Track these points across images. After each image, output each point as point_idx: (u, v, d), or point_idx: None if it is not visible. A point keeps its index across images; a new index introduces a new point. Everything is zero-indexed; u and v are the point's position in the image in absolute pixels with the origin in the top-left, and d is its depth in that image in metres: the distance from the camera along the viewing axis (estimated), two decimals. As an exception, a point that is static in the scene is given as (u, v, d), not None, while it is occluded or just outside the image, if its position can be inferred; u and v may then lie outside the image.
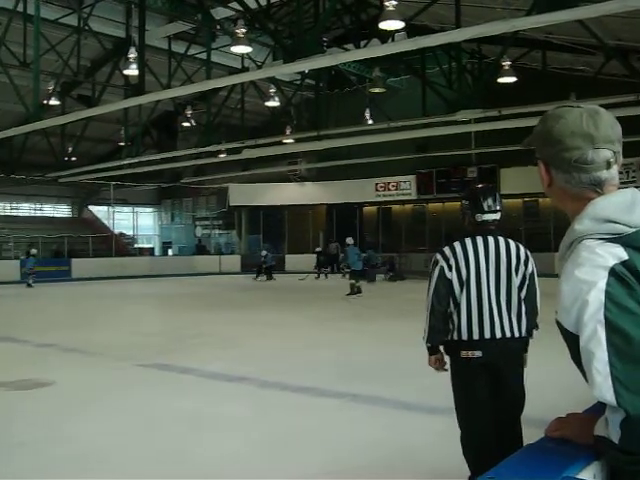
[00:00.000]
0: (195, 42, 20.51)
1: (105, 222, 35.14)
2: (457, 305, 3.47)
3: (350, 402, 6.11)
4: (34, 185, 29.98)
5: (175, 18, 19.52)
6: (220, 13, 18.23)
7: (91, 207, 36.20)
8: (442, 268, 3.49)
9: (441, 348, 3.64)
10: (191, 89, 16.63)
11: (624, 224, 1.30)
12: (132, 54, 15.81)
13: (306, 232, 30.87)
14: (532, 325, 3.57)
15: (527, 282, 3.52)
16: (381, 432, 5.08)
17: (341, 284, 18.19)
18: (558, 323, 1.35)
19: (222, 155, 23.60)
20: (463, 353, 3.45)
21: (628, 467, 1.26)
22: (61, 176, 25.88)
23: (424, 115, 18.64)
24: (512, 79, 16.44)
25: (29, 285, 23.29)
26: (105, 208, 35.29)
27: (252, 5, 14.38)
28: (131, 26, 19.02)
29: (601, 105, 1.45)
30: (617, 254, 1.27)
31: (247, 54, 18.61)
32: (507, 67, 16.26)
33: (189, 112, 23.44)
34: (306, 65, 12.10)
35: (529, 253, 3.60)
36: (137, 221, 37.40)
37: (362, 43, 18.31)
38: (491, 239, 3.52)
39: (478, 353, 3.42)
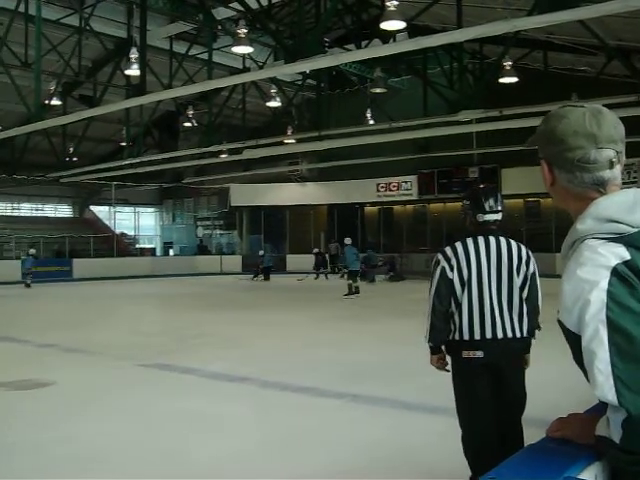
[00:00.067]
0: (196, 42, 20.51)
1: (106, 222, 35.15)
2: (458, 305, 3.47)
3: (350, 402, 6.11)
4: (35, 185, 29.99)
5: (176, 18, 19.53)
6: (221, 13, 18.24)
7: (92, 207, 36.23)
8: (443, 268, 3.49)
9: (443, 348, 3.64)
10: (192, 89, 16.63)
11: (626, 224, 1.30)
12: (133, 54, 15.82)
13: (307, 232, 30.86)
14: (534, 325, 3.57)
15: (528, 282, 3.52)
16: (382, 432, 5.08)
17: (341, 284, 18.19)
18: (560, 323, 1.35)
19: (223, 155, 23.62)
20: (464, 353, 3.45)
21: (629, 467, 1.25)
22: (62, 176, 25.90)
23: (425, 115, 18.64)
24: (513, 79, 16.42)
25: (27, 285, 23.21)
26: (106, 208, 35.31)
27: (253, 5, 14.38)
28: (132, 26, 19.04)
29: (603, 105, 1.45)
30: (619, 254, 1.27)
31: (248, 54, 18.61)
32: (508, 67, 16.24)
33: (190, 112, 23.44)
34: (307, 65, 12.10)
35: (530, 253, 3.59)
36: (138, 221, 37.41)
37: (363, 43, 18.28)
38: (492, 239, 3.52)
39: (479, 353, 3.41)
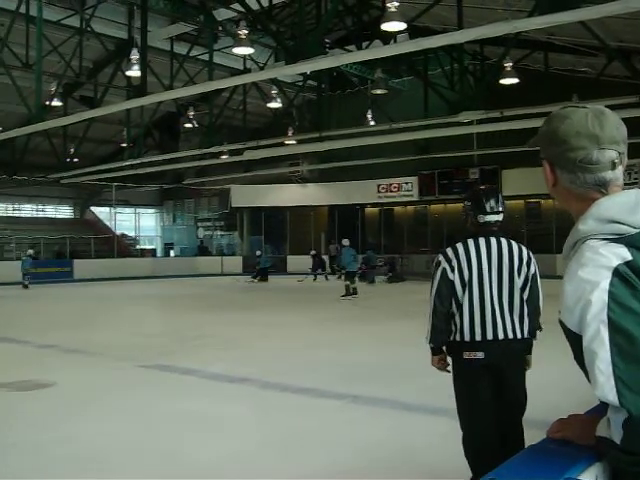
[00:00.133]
0: (197, 43, 20.52)
1: (107, 223, 35.16)
2: (459, 306, 3.47)
3: (351, 403, 6.10)
4: (36, 186, 30.05)
5: (177, 19, 19.55)
6: (222, 14, 18.26)
7: (93, 208, 36.24)
8: (444, 269, 3.49)
9: (444, 348, 3.64)
10: (193, 90, 16.64)
11: (628, 225, 1.30)
12: (134, 55, 15.85)
13: (308, 233, 30.86)
14: (535, 326, 3.56)
15: (529, 283, 3.51)
16: (382, 433, 5.08)
17: (341, 285, 18.17)
18: (561, 323, 1.35)
19: (224, 156, 23.63)
20: (465, 354, 3.45)
21: (630, 468, 1.25)
22: (63, 177, 25.92)
23: (426, 116, 18.66)
24: (514, 80, 16.43)
25: (25, 286, 23.04)
26: (107, 209, 35.32)
27: (254, 6, 14.39)
28: (133, 27, 19.10)
29: (603, 107, 1.45)
30: (621, 254, 1.27)
31: (249, 55, 18.62)
32: (509, 68, 16.25)
33: (191, 113, 23.48)
34: (308, 66, 12.10)
35: (531, 254, 3.59)
36: (139, 222, 37.43)
37: (364, 44, 18.31)
38: (493, 240, 3.51)
39: (480, 354, 3.41)
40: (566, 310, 1.32)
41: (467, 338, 3.44)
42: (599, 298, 1.24)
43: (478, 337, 3.42)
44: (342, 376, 7.18)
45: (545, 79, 18.46)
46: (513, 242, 3.57)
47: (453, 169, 26.40)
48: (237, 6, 15.52)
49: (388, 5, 11.59)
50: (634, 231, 1.29)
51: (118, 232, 34.31)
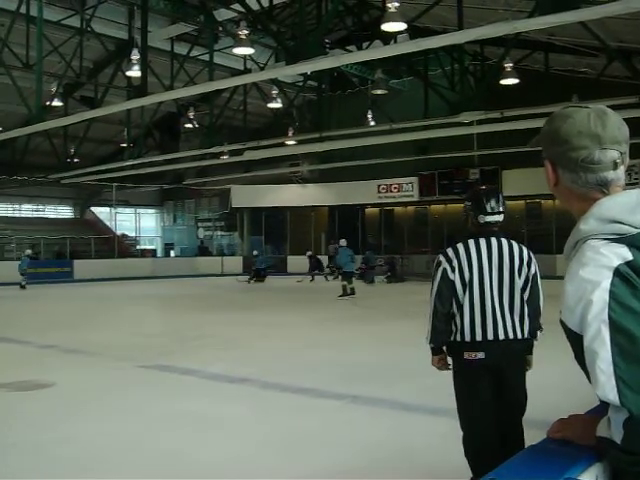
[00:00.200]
0: (198, 43, 20.52)
1: (107, 223, 35.14)
2: (460, 307, 3.46)
3: (351, 403, 6.10)
4: (36, 186, 30.04)
5: (178, 20, 19.55)
6: (222, 15, 18.26)
7: (93, 208, 36.23)
8: (445, 270, 3.49)
9: (444, 348, 3.64)
10: (193, 90, 16.65)
11: (629, 224, 1.30)
12: (135, 55, 15.84)
13: (308, 234, 30.87)
14: (535, 327, 3.56)
15: (530, 284, 3.51)
16: (382, 433, 5.08)
17: (341, 286, 18.18)
18: (562, 323, 1.35)
19: (224, 156, 23.62)
20: (466, 354, 3.45)
21: (631, 468, 1.25)
22: (63, 177, 25.91)
23: (426, 117, 18.66)
24: (514, 81, 16.42)
25: (22, 287, 22.79)
26: (107, 209, 35.31)
27: (254, 7, 14.40)
28: (134, 27, 19.10)
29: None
30: (622, 254, 1.27)
31: (249, 56, 18.62)
32: (509, 69, 16.24)
33: (191, 113, 23.45)
34: (308, 67, 12.10)
35: (532, 254, 3.59)
36: (139, 222, 37.42)
37: (364, 45, 18.34)
38: (494, 240, 3.51)
39: (481, 355, 3.41)
40: (567, 310, 1.32)
41: (467, 338, 3.44)
42: (600, 298, 1.24)
43: (478, 337, 3.42)
44: (342, 376, 7.18)
45: (545, 79, 18.46)
46: (514, 242, 3.57)
47: (453, 169, 26.38)
48: (237, 6, 15.53)
49: (388, 5, 11.59)
50: (635, 231, 1.30)
51: (118, 232, 34.30)
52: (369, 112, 22.40)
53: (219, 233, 36.88)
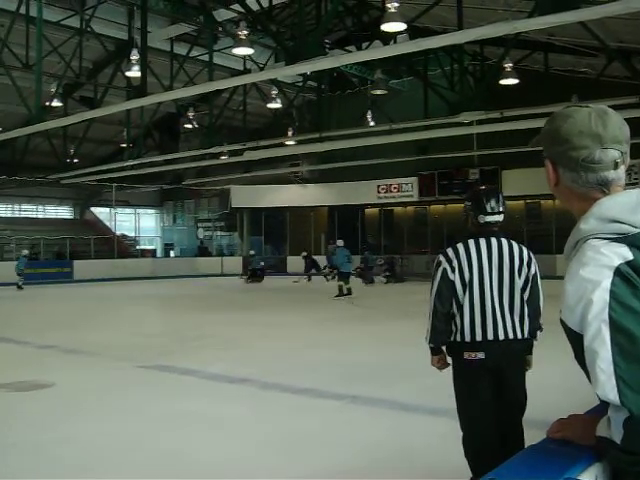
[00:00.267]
0: (197, 44, 20.53)
1: (107, 224, 35.15)
2: (460, 307, 3.46)
3: (350, 403, 6.10)
4: (36, 186, 30.02)
5: (177, 20, 19.56)
6: (222, 15, 18.27)
7: (93, 209, 36.23)
8: (445, 270, 3.48)
9: (444, 348, 3.64)
10: (193, 91, 16.65)
11: (629, 224, 1.30)
12: (134, 56, 15.84)
13: (308, 234, 30.87)
14: (535, 327, 3.56)
15: (530, 284, 3.51)
16: (382, 433, 5.08)
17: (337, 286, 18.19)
18: (562, 322, 1.35)
19: (224, 157, 23.62)
20: (466, 355, 3.44)
21: (630, 468, 1.25)
22: (63, 177, 25.91)
23: (426, 117, 18.67)
24: (514, 81, 16.42)
25: (19, 287, 22.67)
26: (107, 210, 35.31)
27: (254, 7, 14.39)
28: (133, 28, 19.10)
29: (603, 107, 1.45)
30: (622, 254, 1.27)
31: (249, 56, 18.62)
32: (509, 69, 16.23)
33: (191, 114, 23.45)
34: (308, 67, 12.10)
35: (532, 255, 3.59)
36: (139, 223, 37.43)
37: (364, 45, 18.34)
38: (494, 241, 3.51)
39: (481, 355, 3.41)
40: (567, 309, 1.32)
41: (467, 338, 3.44)
42: (600, 297, 1.24)
43: (478, 337, 3.42)
44: (342, 376, 7.18)
45: (545, 79, 18.46)
46: (514, 242, 3.57)
47: (453, 170, 26.39)
48: (237, 7, 15.54)
49: (388, 6, 11.59)
50: (635, 231, 1.30)
51: (118, 233, 34.30)
52: (369, 112, 22.40)
53: (219, 233, 36.89)
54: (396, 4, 11.43)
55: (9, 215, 33.58)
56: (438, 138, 19.52)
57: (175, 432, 5.19)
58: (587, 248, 1.32)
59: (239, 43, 13.87)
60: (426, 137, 19.85)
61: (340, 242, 19.17)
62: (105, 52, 20.01)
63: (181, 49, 20.74)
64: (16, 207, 34.36)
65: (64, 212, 36.62)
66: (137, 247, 36.19)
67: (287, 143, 22.54)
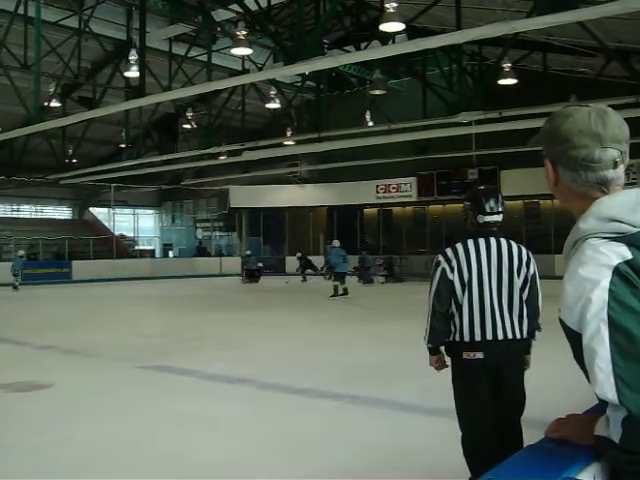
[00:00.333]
0: (196, 44, 20.52)
1: (106, 224, 35.12)
2: (459, 307, 3.46)
3: (350, 404, 6.10)
4: (35, 187, 30.00)
5: (176, 20, 19.55)
6: (221, 15, 18.26)
7: (92, 209, 36.21)
8: (444, 269, 3.48)
9: (442, 349, 3.64)
10: (192, 91, 16.65)
11: (629, 223, 1.30)
12: (133, 56, 15.83)
13: (306, 234, 30.89)
14: (534, 327, 3.57)
15: (529, 284, 3.51)
16: (381, 434, 5.08)
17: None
18: (561, 321, 1.35)
19: (223, 157, 23.63)
20: (465, 354, 3.44)
21: (629, 467, 1.25)
22: (62, 178, 25.89)
23: (425, 117, 18.67)
24: (513, 81, 16.42)
25: (15, 287, 22.47)
26: (106, 210, 35.28)
27: (253, 7, 14.40)
28: (132, 28, 19.09)
29: (602, 107, 1.45)
30: (621, 253, 1.27)
31: (248, 56, 18.62)
32: (508, 69, 16.23)
33: (190, 114, 23.44)
34: (306, 67, 12.10)
35: (531, 255, 3.59)
36: (138, 223, 37.39)
37: (362, 45, 18.34)
38: (493, 240, 3.51)
39: (480, 354, 3.41)
40: (566, 308, 1.32)
41: (467, 338, 3.44)
42: (599, 296, 1.24)
43: (478, 337, 3.42)
44: (341, 376, 7.18)
45: (544, 79, 18.48)
46: (513, 242, 3.57)
47: (452, 170, 26.40)
48: (235, 7, 15.54)
49: (387, 6, 11.58)
50: (635, 230, 1.30)
51: (117, 233, 34.27)
52: (367, 112, 22.40)
53: (217, 233, 36.89)
54: (395, 4, 11.43)
55: (8, 215, 33.53)
56: (437, 138, 19.54)
57: (174, 432, 5.19)
58: (586, 247, 1.32)
59: (238, 43, 13.86)
60: (425, 137, 19.86)
61: (336, 242, 19.19)
62: (104, 52, 20.01)
63: (180, 49, 20.73)
64: (15, 207, 34.32)
65: (63, 212, 36.60)
66: (136, 247, 36.17)
67: (286, 143, 22.54)
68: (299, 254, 26.84)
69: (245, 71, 21.17)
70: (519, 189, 22.97)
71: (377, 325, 12.09)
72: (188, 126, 24.47)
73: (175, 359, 8.60)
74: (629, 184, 1.29)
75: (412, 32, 15.19)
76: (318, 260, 26.37)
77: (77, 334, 11.10)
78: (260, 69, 20.39)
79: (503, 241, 3.53)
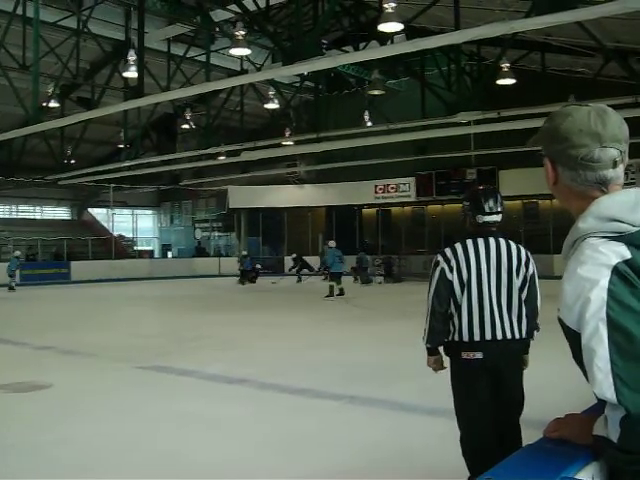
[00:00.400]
0: (194, 44, 20.52)
1: (104, 224, 35.11)
2: (458, 307, 3.46)
3: (349, 404, 6.10)
4: (34, 187, 30.00)
5: (174, 20, 19.55)
6: (219, 15, 18.25)
7: (90, 209, 36.18)
8: (443, 269, 3.48)
9: (440, 349, 3.64)
10: (190, 91, 16.64)
11: (628, 223, 1.31)
12: (131, 56, 15.80)
13: (305, 234, 30.88)
14: (532, 326, 3.57)
15: (528, 284, 3.51)
16: (380, 434, 5.08)
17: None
18: (560, 321, 1.35)
19: (221, 157, 23.61)
20: (464, 354, 3.44)
21: (628, 467, 1.25)
22: (61, 178, 25.87)
23: (423, 117, 18.67)
24: (511, 81, 16.42)
25: (11, 288, 22.34)
26: (104, 210, 35.28)
27: (251, 7, 14.40)
28: (130, 28, 19.08)
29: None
30: (620, 252, 1.27)
31: (246, 56, 18.59)
32: (506, 69, 16.23)
33: (188, 114, 23.45)
34: (305, 67, 12.10)
35: (530, 255, 3.59)
36: (136, 223, 37.37)
37: (361, 45, 18.34)
38: (492, 240, 3.51)
39: (479, 354, 3.41)
40: (565, 308, 1.32)
41: (466, 338, 3.44)
42: (598, 296, 1.24)
43: (477, 337, 3.42)
44: (340, 377, 7.18)
45: (542, 79, 18.49)
46: (512, 242, 3.58)
47: (450, 170, 26.41)
48: (234, 7, 15.52)
49: (385, 6, 11.58)
50: (634, 229, 1.30)
51: (115, 233, 34.26)
52: (366, 112, 22.41)
53: (216, 234, 36.88)
54: (393, 4, 11.43)
55: (6, 216, 33.53)
56: (435, 138, 19.54)
57: (173, 432, 5.19)
58: (585, 247, 1.32)
59: (236, 44, 13.85)
60: (423, 137, 19.87)
61: (332, 243, 19.22)
62: (102, 53, 20.01)
63: (178, 50, 20.73)
64: (13, 208, 34.31)
65: (62, 213, 36.58)
66: (135, 248, 36.16)
67: (284, 143, 22.53)
68: (294, 255, 26.88)
69: (244, 71, 21.16)
70: (518, 189, 22.97)
71: (376, 325, 12.09)
72: (187, 126, 24.47)
73: (174, 359, 8.60)
74: (627, 184, 1.29)
75: (411, 32, 15.19)
76: (316, 260, 26.34)
77: (76, 334, 11.09)
78: (259, 69, 20.37)
79: (502, 241, 3.53)
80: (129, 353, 9.14)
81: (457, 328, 3.46)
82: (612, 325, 1.23)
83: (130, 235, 36.65)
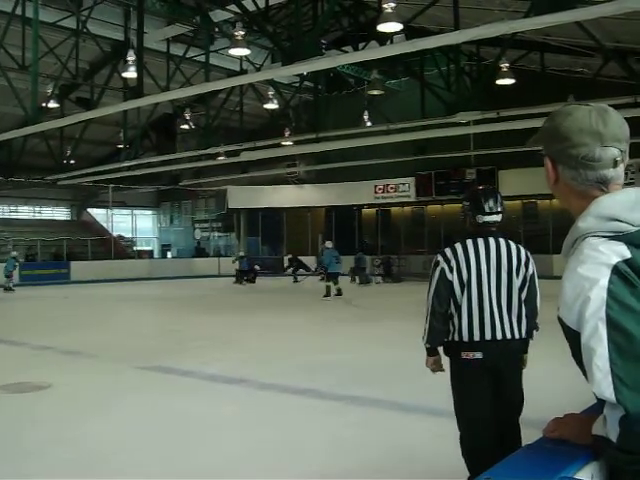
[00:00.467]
0: (194, 45, 20.51)
1: (104, 225, 35.11)
2: (458, 307, 3.46)
3: (349, 404, 6.10)
4: (33, 188, 30.00)
5: (174, 21, 19.56)
6: (218, 16, 18.25)
7: (90, 210, 36.18)
8: (443, 269, 3.48)
9: (439, 349, 3.64)
10: (190, 92, 16.64)
11: (628, 222, 1.31)
12: (131, 57, 15.82)
13: (304, 234, 30.88)
14: (532, 326, 3.57)
15: (527, 284, 3.51)
16: (380, 434, 5.08)
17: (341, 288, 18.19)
18: (560, 320, 1.35)
19: (221, 157, 23.61)
20: (463, 354, 3.45)
21: (627, 466, 1.25)
22: (60, 179, 25.87)
23: (423, 117, 18.68)
24: (510, 81, 16.45)
25: (9, 289, 22.23)
26: (104, 211, 35.27)
27: (250, 8, 14.41)
28: (130, 29, 19.08)
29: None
30: (620, 252, 1.28)
31: (246, 56, 18.61)
32: (505, 69, 16.26)
33: (188, 115, 23.45)
34: (304, 67, 12.11)
35: (529, 255, 3.59)
36: (136, 224, 37.36)
37: (360, 45, 18.35)
38: (492, 240, 3.51)
39: (478, 354, 3.41)
40: (565, 307, 1.32)
41: (465, 338, 3.44)
42: (598, 295, 1.24)
43: (476, 337, 3.42)
44: (340, 377, 7.18)
45: (541, 79, 18.50)
46: (511, 242, 3.58)
47: (450, 170, 26.41)
48: (233, 7, 15.52)
49: (384, 6, 11.61)
50: (634, 229, 1.30)
51: (115, 234, 34.26)
52: (365, 113, 22.41)
53: (216, 234, 36.87)
54: (392, 4, 11.45)
55: (6, 216, 33.50)
56: (435, 138, 19.54)
57: (173, 433, 5.18)
58: (585, 246, 1.32)
59: (235, 44, 13.87)
60: (423, 137, 19.87)
61: (329, 243, 19.24)
62: (101, 53, 20.00)
63: (177, 50, 20.72)
64: (13, 208, 34.29)
65: (61, 213, 36.58)
66: (134, 248, 36.15)
67: (284, 144, 22.54)
68: (290, 255, 26.86)
69: (243, 72, 21.14)
70: (517, 189, 22.97)
71: (376, 325, 12.08)
72: (186, 127, 24.47)
73: (174, 360, 8.59)
74: (627, 184, 1.29)
75: (410, 32, 15.19)
76: (314, 261, 26.34)
77: (76, 335, 11.09)
78: (258, 70, 20.37)
79: (502, 241, 3.54)
80: (129, 353, 9.14)
81: (457, 328, 3.46)
82: (612, 324, 1.23)
83: (129, 235, 36.65)
